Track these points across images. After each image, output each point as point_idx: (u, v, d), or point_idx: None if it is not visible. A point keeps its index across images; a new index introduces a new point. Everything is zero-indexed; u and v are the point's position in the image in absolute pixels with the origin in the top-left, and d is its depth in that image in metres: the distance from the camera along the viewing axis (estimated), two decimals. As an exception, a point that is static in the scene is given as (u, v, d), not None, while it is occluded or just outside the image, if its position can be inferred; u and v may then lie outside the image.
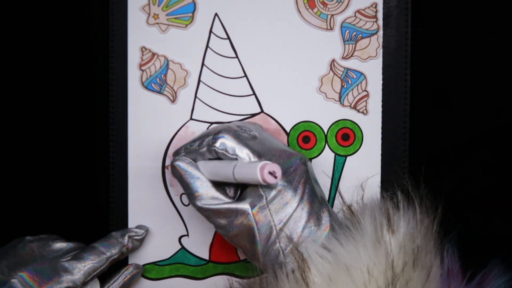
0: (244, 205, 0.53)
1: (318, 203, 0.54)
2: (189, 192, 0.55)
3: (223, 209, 0.53)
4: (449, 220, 0.54)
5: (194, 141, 0.56)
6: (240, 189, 0.57)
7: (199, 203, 0.54)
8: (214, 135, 0.54)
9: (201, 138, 0.56)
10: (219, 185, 0.56)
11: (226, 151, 0.54)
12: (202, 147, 0.55)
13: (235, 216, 0.53)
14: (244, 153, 0.54)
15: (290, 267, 0.51)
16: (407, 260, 0.49)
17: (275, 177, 0.49)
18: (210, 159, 0.55)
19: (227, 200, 0.54)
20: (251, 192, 0.54)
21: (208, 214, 0.54)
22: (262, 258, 0.53)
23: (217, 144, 0.54)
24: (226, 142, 0.54)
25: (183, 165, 0.55)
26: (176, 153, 0.57)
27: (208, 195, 0.54)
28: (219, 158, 0.55)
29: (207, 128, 0.61)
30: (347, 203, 0.57)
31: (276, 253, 0.53)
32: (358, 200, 0.58)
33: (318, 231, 0.53)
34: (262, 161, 0.50)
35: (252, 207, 0.53)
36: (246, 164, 0.51)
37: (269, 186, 0.53)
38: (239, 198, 0.56)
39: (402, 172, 0.61)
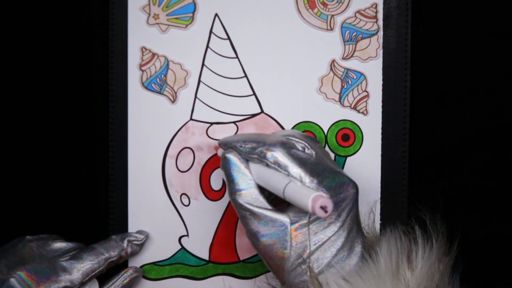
0: (285, 218, 0.52)
1: (356, 232, 0.52)
2: (233, 187, 0.53)
3: (263, 214, 0.52)
4: (450, 212, 0.54)
5: (245, 142, 0.54)
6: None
7: (240, 200, 0.53)
8: (268, 147, 0.53)
9: (256, 142, 0.54)
10: (262, 189, 0.54)
11: (278, 165, 0.52)
12: (253, 154, 0.54)
13: (271, 226, 0.52)
14: (295, 172, 0.52)
15: None
16: None
17: (326, 212, 0.47)
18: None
19: (268, 206, 0.53)
20: (295, 206, 0.52)
21: (246, 214, 0.53)
22: (287, 274, 0.52)
23: (271, 159, 0.53)
24: (278, 158, 0.53)
25: (234, 159, 0.54)
26: (225, 146, 0.56)
27: (251, 195, 0.53)
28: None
29: (206, 129, 0.61)
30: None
31: (303, 273, 0.51)
32: (370, 224, 0.57)
33: (347, 259, 0.52)
34: (315, 192, 0.48)
35: (293, 222, 0.52)
36: (299, 188, 0.50)
37: None
38: (281, 208, 0.54)
39: (421, 206, 0.60)
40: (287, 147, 0.53)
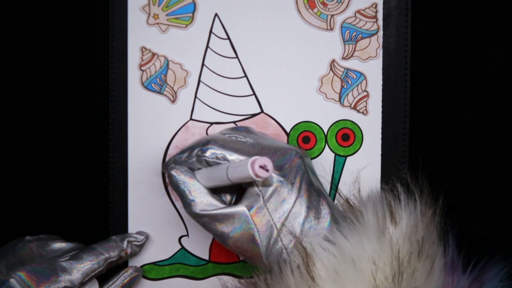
0: (241, 208, 0.53)
1: (316, 195, 0.54)
2: (185, 200, 0.55)
3: (219, 214, 0.53)
4: (450, 212, 0.55)
5: (182, 152, 0.56)
6: (236, 195, 0.57)
7: (195, 210, 0.54)
8: (202, 145, 0.55)
9: (190, 149, 0.56)
10: (215, 193, 0.56)
11: (217, 158, 0.54)
12: (191, 158, 0.55)
13: (232, 221, 0.53)
14: (233, 158, 0.54)
15: (295, 263, 0.51)
16: (412, 251, 0.50)
17: (267, 170, 0.49)
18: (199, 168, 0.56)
19: (222, 206, 0.54)
20: (247, 193, 0.54)
21: (205, 220, 0.54)
22: (266, 259, 0.53)
23: (207, 154, 0.54)
24: (214, 151, 0.54)
25: (178, 173, 0.55)
26: (166, 166, 0.57)
27: (204, 201, 0.54)
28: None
29: (206, 129, 0.61)
30: (344, 197, 0.57)
31: (279, 252, 0.53)
32: (355, 193, 0.58)
33: (318, 224, 0.53)
34: (251, 158, 0.50)
35: (249, 208, 0.53)
36: (238, 162, 0.52)
37: (265, 184, 0.53)
38: (236, 202, 0.56)
39: (401, 166, 0.61)
40: (219, 140, 0.55)
